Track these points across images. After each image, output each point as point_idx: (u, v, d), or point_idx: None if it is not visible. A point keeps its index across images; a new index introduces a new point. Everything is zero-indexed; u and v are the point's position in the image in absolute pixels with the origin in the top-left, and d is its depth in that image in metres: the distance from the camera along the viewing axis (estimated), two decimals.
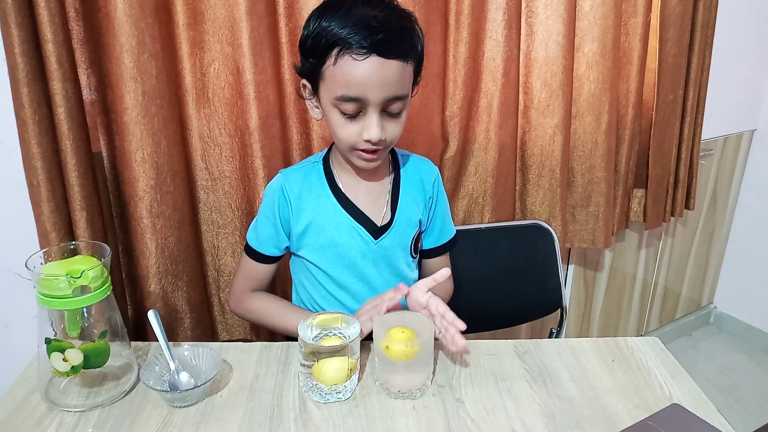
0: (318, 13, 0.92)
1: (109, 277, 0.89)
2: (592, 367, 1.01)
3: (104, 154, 1.15)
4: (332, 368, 0.89)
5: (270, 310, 1.11)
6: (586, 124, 1.64)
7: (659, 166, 1.89)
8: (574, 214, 1.76)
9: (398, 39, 0.90)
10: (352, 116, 0.93)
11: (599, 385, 0.96)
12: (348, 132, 0.95)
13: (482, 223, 1.60)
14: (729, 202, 2.41)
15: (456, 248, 1.49)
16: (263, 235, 1.09)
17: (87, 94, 1.11)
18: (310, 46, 0.93)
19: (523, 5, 1.49)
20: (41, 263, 0.88)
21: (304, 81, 0.99)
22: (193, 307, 1.26)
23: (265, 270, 1.12)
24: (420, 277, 1.20)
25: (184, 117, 1.20)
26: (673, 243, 2.28)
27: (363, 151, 0.96)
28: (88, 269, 0.84)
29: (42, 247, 1.05)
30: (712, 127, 2.07)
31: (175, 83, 1.17)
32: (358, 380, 0.95)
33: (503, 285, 1.53)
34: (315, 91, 0.97)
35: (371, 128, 0.92)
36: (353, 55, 0.88)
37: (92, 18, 1.05)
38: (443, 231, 1.19)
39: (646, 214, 1.94)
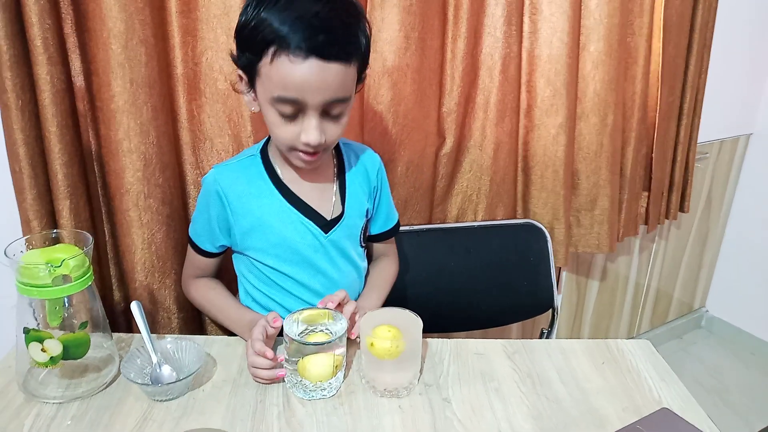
0: (257, 1, 0.85)
1: (92, 267, 0.87)
2: (581, 368, 0.99)
3: (91, 144, 1.12)
4: (317, 365, 0.88)
5: (210, 303, 1.10)
6: (591, 125, 1.62)
7: (660, 168, 1.88)
8: (579, 217, 1.74)
9: (341, 40, 0.85)
10: (290, 117, 0.89)
11: (588, 386, 0.95)
12: (286, 133, 0.90)
13: (475, 221, 1.58)
14: (723, 206, 2.40)
15: (447, 245, 1.49)
16: (198, 228, 1.07)
17: (80, 81, 1.08)
18: (246, 38, 0.87)
19: (526, 2, 1.46)
20: (22, 251, 0.86)
21: (240, 72, 0.93)
22: (181, 306, 1.23)
23: (206, 262, 1.11)
24: (368, 261, 1.20)
25: (175, 108, 1.17)
26: (666, 246, 2.28)
27: (302, 152, 0.92)
28: (69, 258, 0.82)
29: (24, 236, 1.03)
30: (709, 130, 2.07)
31: (166, 72, 1.14)
32: (344, 377, 0.94)
33: (495, 284, 1.52)
34: (252, 84, 0.92)
35: (310, 132, 0.88)
36: (290, 57, 0.82)
37: (80, 2, 1.02)
38: (388, 218, 1.18)
39: (648, 216, 1.93)
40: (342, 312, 0.95)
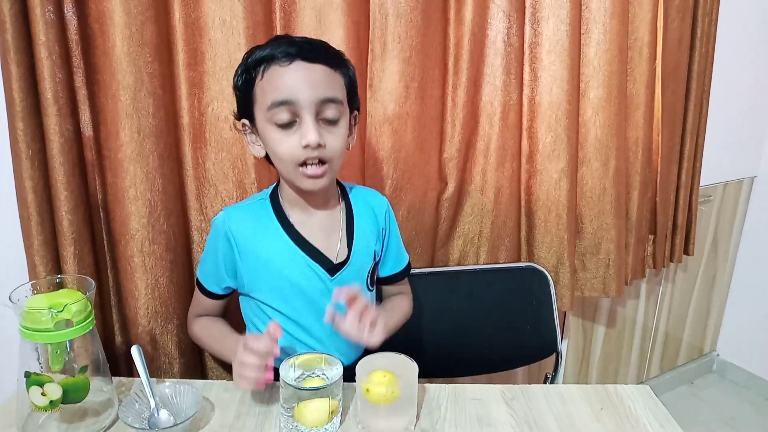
0: (244, 58, 0.98)
1: (93, 312, 0.89)
2: (579, 414, 0.99)
3: (97, 191, 1.16)
4: (313, 410, 0.88)
5: (210, 335, 1.11)
6: (594, 169, 1.64)
7: (663, 212, 1.89)
8: (584, 261, 1.74)
9: (322, 49, 0.96)
10: (288, 127, 0.94)
11: None
12: (287, 146, 0.94)
13: (478, 264, 1.59)
14: (730, 249, 2.39)
15: (449, 289, 1.50)
16: (206, 269, 1.09)
17: (89, 131, 1.13)
18: (241, 84, 0.97)
19: (526, 51, 1.51)
20: (27, 296, 0.89)
21: (243, 121, 1.01)
22: (183, 351, 1.24)
23: (211, 303, 1.12)
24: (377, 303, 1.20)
25: (180, 156, 1.21)
26: (673, 289, 2.26)
27: (307, 166, 0.95)
28: (71, 303, 0.84)
29: (32, 281, 1.05)
30: (713, 173, 2.08)
31: (173, 122, 1.18)
32: (340, 423, 0.94)
33: (498, 328, 1.51)
34: (252, 122, 0.99)
35: (308, 133, 0.92)
36: (279, 64, 0.92)
37: (90, 56, 1.07)
38: (398, 259, 1.19)
39: (655, 259, 1.93)
40: (353, 306, 0.95)
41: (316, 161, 0.95)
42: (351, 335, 0.94)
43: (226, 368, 1.35)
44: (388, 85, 1.34)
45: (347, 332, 0.94)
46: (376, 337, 0.95)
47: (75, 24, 1.07)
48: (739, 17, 1.97)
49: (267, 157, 1.04)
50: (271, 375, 0.91)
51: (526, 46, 1.50)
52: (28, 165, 1.00)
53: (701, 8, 1.75)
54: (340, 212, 1.09)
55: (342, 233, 1.07)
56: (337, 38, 1.24)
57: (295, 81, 0.92)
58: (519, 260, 1.67)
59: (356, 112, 1.05)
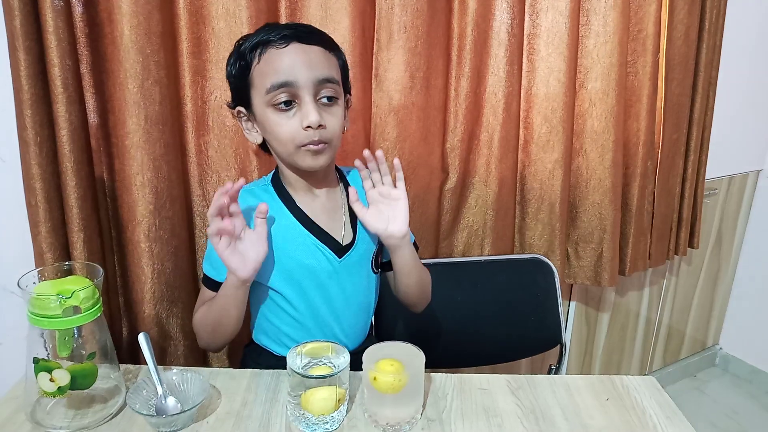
0: (236, 46, 0.99)
1: (101, 299, 0.90)
2: (585, 405, 0.99)
3: (105, 178, 1.16)
4: (320, 398, 0.88)
5: (210, 303, 1.03)
6: (590, 160, 1.64)
7: (663, 204, 1.89)
8: (578, 250, 1.75)
9: (316, 31, 0.98)
10: (287, 109, 0.95)
11: (592, 423, 0.94)
12: (288, 128, 0.95)
13: (482, 255, 1.59)
14: (734, 242, 2.39)
15: (454, 280, 1.50)
16: (214, 259, 1.03)
17: (94, 118, 1.13)
18: (236, 72, 0.98)
19: (525, 42, 1.51)
20: (34, 282, 0.89)
21: (238, 108, 1.02)
22: (186, 334, 1.25)
23: None
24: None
25: (184, 143, 1.22)
26: (677, 282, 2.26)
27: (308, 145, 0.96)
28: (79, 289, 0.84)
29: (38, 267, 1.06)
30: (718, 166, 2.08)
31: (177, 110, 1.19)
32: (347, 411, 0.94)
33: (502, 319, 1.52)
34: (249, 108, 1.00)
35: (309, 114, 0.93)
36: (276, 47, 0.94)
37: (99, 44, 1.07)
38: None
39: (651, 251, 1.92)
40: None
41: (317, 142, 0.96)
42: (371, 226, 1.02)
43: (227, 354, 1.37)
44: (393, 75, 1.34)
45: (368, 222, 1.02)
46: (397, 225, 1.02)
47: (80, 12, 1.07)
48: (747, 9, 1.96)
49: (262, 145, 1.05)
50: (228, 223, 0.91)
51: (525, 37, 1.50)
52: (36, 152, 1.01)
53: (709, 0, 1.74)
54: (340, 194, 1.10)
55: (345, 216, 1.08)
56: (342, 28, 1.24)
57: (293, 62, 0.93)
58: (513, 248, 1.68)
59: (349, 96, 1.07)
